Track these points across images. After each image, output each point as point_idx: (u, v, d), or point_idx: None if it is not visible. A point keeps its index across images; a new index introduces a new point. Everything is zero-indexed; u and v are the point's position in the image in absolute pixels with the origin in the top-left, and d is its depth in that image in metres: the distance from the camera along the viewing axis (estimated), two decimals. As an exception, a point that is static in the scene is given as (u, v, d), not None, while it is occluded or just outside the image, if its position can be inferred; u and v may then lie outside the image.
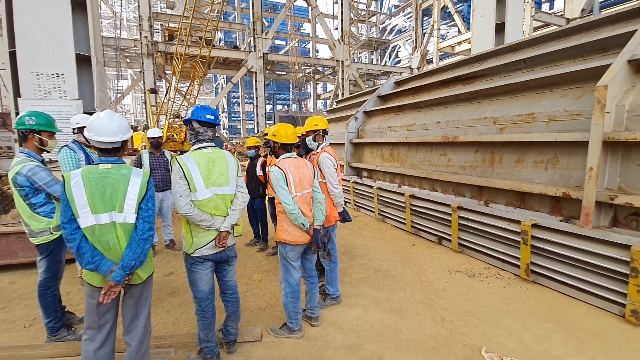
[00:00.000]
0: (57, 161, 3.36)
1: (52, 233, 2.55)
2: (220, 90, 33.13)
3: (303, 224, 2.61)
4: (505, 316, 2.97)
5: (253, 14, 18.99)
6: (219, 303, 2.54)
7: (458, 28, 21.60)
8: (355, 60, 29.46)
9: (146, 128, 14.90)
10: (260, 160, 4.83)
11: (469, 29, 19.36)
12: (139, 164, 4.43)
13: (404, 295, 3.44)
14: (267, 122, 24.12)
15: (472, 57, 5.60)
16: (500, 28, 9.76)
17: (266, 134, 4.70)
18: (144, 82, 16.14)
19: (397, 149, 6.08)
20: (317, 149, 3.32)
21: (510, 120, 3.96)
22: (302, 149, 3.56)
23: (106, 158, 1.89)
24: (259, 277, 3.93)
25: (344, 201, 3.27)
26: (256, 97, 19.93)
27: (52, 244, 2.57)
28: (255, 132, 20.43)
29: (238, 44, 25.15)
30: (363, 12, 30.02)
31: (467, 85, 5.18)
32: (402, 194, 5.41)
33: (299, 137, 3.05)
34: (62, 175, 1.86)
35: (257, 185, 4.74)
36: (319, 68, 26.18)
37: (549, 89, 3.75)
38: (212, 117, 2.30)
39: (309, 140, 3.30)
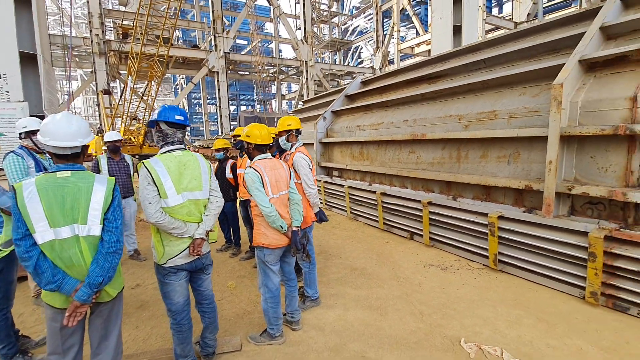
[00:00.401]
0: (1, 169, 3.02)
1: (0, 250, 2.27)
2: (180, 90, 31.87)
3: (281, 226, 2.54)
4: (479, 305, 3.09)
5: (213, 12, 18.44)
6: (194, 314, 2.41)
7: (416, 30, 22.41)
8: (319, 61, 29.60)
9: (100, 131, 13.94)
10: (230, 162, 4.67)
11: (426, 31, 20.15)
12: (96, 170, 4.10)
13: (382, 292, 3.47)
14: (232, 123, 23.55)
15: (435, 58, 5.80)
16: (457, 30, 10.23)
17: (236, 135, 4.56)
18: (96, 83, 15.09)
19: (366, 148, 6.15)
20: (290, 149, 3.26)
21: (474, 118, 4.14)
22: (275, 150, 3.49)
23: (64, 165, 1.70)
24: (233, 284, 3.80)
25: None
26: (219, 98, 19.38)
27: (2, 262, 2.29)
28: (219, 133, 19.86)
29: (198, 43, 24.30)
30: (325, 13, 30.23)
31: (431, 84, 5.35)
32: (374, 192, 5.49)
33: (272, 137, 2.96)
34: (12, 186, 1.65)
35: (227, 189, 4.57)
36: (283, 68, 26.00)
37: (508, 88, 3.96)
38: (182, 118, 2.16)
39: (282, 140, 3.23)
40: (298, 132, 3.23)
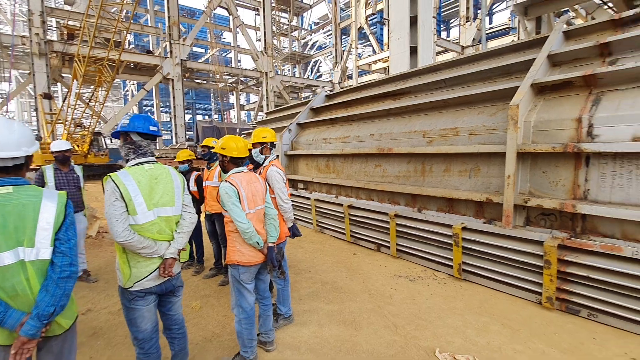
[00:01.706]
0: None
1: None
2: (131, 97, 30.09)
3: (258, 243, 2.44)
4: (448, 315, 3.19)
5: (169, 18, 17.79)
6: (162, 341, 2.20)
7: (373, 48, 23.42)
8: (279, 73, 29.71)
9: (38, 139, 12.62)
10: (194, 174, 4.44)
11: (382, 49, 21.14)
12: (40, 183, 3.67)
13: (355, 305, 3.46)
14: (187, 132, 22.62)
15: (397, 76, 6.07)
16: (413, 50, 10.84)
17: (205, 146, 4.36)
18: (34, 86, 13.73)
19: (333, 161, 6.21)
20: (263, 163, 3.18)
21: (438, 134, 4.36)
22: (246, 162, 3.38)
23: (4, 179, 1.47)
24: (198, 304, 3.56)
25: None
26: (174, 106, 18.57)
27: None
28: (174, 143, 18.93)
29: (152, 49, 23.25)
30: (285, 27, 30.55)
31: (395, 101, 5.58)
32: (341, 205, 5.53)
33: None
34: None
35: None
36: (242, 78, 25.66)
37: (468, 107, 4.24)
38: (156, 129, 2.01)
39: (255, 153, 3.14)
40: (272, 145, 3.17)
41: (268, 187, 2.93)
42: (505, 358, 2.54)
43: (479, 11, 21.52)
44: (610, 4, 15.80)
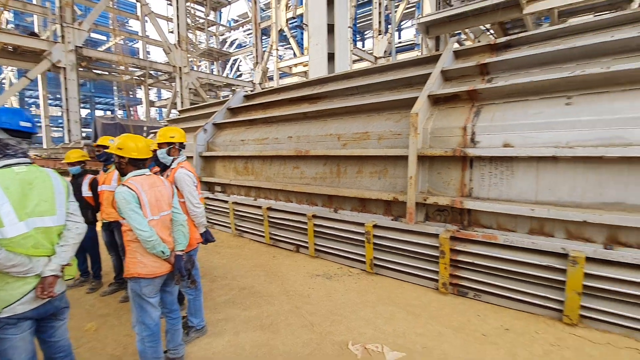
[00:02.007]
0: None
1: None
2: (9, 86, 25.09)
3: (163, 252, 2.25)
4: (361, 308, 3.39)
5: (59, -4, 15.32)
6: (41, 375, 1.87)
7: (293, 51, 23.73)
8: (195, 69, 28.04)
9: None
10: (89, 178, 3.90)
11: (303, 53, 21.56)
12: None
13: (273, 308, 3.44)
14: (84, 130, 19.76)
15: (315, 80, 6.25)
16: (331, 57, 11.29)
17: (101, 146, 3.84)
18: None
19: (251, 162, 6.08)
20: (171, 165, 2.95)
21: (351, 137, 4.61)
22: (151, 164, 3.10)
23: None
24: (93, 326, 3.14)
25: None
26: (66, 99, 16.04)
27: None
28: (67, 141, 16.33)
29: (37, 31, 19.77)
30: (201, 20, 28.93)
31: (312, 104, 5.73)
32: (260, 207, 5.45)
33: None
34: None
35: (84, 210, 3.76)
36: (152, 72, 23.50)
37: (377, 113, 4.58)
38: (29, 125, 1.70)
39: (161, 153, 2.89)
40: (182, 146, 2.96)
41: (176, 190, 2.73)
42: (408, 342, 2.80)
43: (389, 26, 23.50)
44: (492, 31, 18.70)
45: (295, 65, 22.41)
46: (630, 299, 2.63)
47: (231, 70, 34.33)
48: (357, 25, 31.61)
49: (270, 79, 25.51)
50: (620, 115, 2.79)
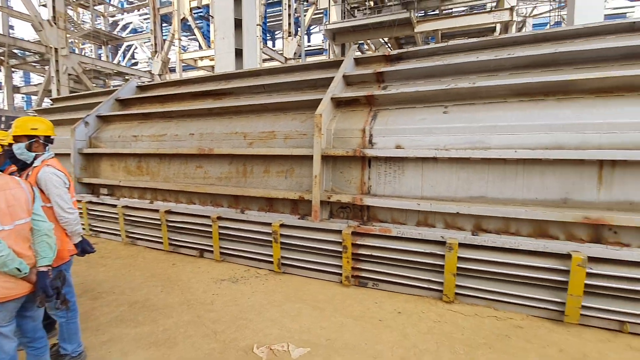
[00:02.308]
0: None
1: None
2: None
3: (19, 269, 1.84)
4: (267, 309, 3.34)
5: None
6: None
7: (199, 43, 22.28)
8: (77, 52, 24.08)
9: None
10: None
11: (209, 46, 20.42)
12: None
13: (170, 321, 3.14)
14: None
15: (220, 75, 5.95)
16: (239, 53, 10.93)
17: None
18: None
19: (146, 161, 5.47)
20: (33, 162, 2.43)
21: (257, 136, 4.52)
22: (5, 162, 2.52)
23: None
24: None
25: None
26: None
27: None
28: None
29: None
30: (85, -4, 24.88)
31: (217, 100, 5.44)
32: (157, 211, 4.93)
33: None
34: None
35: None
36: (16, 51, 19.29)
37: (283, 112, 4.60)
38: None
39: (18, 148, 2.36)
40: (48, 140, 2.46)
41: (40, 193, 2.26)
42: (313, 336, 2.87)
43: (299, 28, 23.95)
44: (389, 44, 20.60)
45: (201, 58, 21.07)
46: (490, 275, 3.18)
47: (124, 58, 30.49)
48: (267, 24, 31.43)
49: (173, 71, 23.47)
50: (482, 124, 3.35)
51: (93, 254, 2.81)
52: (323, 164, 3.89)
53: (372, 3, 17.49)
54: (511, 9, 13.98)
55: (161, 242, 4.98)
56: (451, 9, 20.16)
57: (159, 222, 4.91)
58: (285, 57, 20.13)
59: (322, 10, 22.66)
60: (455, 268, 3.22)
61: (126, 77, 24.10)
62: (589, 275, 2.81)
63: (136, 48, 31.36)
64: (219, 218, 4.45)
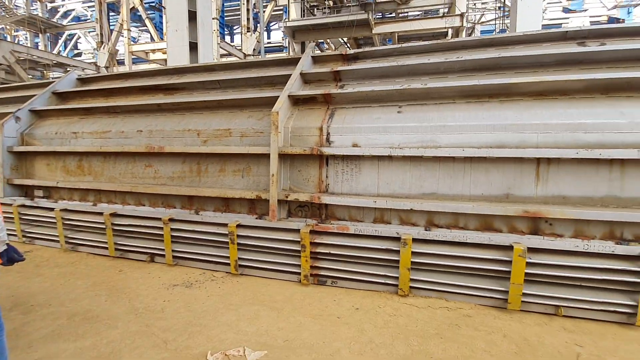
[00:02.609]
0: None
1: None
2: None
3: None
4: (223, 313, 3.22)
5: None
6: None
7: (151, 35, 21.06)
8: (9, 39, 21.72)
9: None
10: None
11: (162, 38, 19.36)
12: None
13: (115, 332, 2.92)
14: None
15: (171, 69, 5.65)
16: (194, 46, 10.47)
17: None
18: None
19: (88, 160, 5.05)
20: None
21: (212, 134, 4.35)
22: None
23: None
24: None
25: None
26: None
27: None
28: None
29: None
30: (17, -22, 22.49)
31: (168, 95, 5.15)
32: (101, 214, 4.57)
33: None
34: None
35: None
36: None
37: (240, 109, 4.46)
38: None
39: None
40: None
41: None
42: (270, 338, 2.81)
43: (259, 24, 23.51)
44: (348, 44, 20.88)
45: (153, 51, 19.93)
46: (442, 268, 3.33)
47: (65, 48, 28.02)
48: (225, 19, 30.55)
49: (121, 63, 21.97)
50: (433, 124, 3.49)
51: (27, 263, 2.53)
52: (280, 162, 3.83)
53: (331, 2, 17.63)
54: (461, 15, 14.79)
55: (106, 248, 4.62)
56: (407, 12, 20.89)
57: (104, 226, 4.55)
58: (244, 53, 19.67)
59: (282, 7, 22.44)
60: (409, 262, 3.33)
61: (68, 69, 22.15)
62: (529, 264, 3.04)
63: (79, 38, 28.94)
64: (171, 220, 4.22)
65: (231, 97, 4.47)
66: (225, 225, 4.01)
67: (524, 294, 3.08)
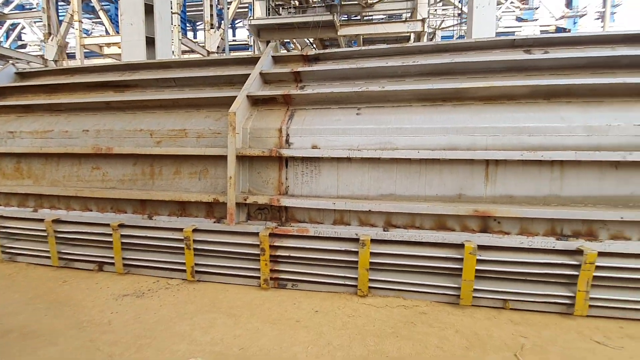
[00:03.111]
0: None
1: None
2: None
3: None
4: (177, 322, 3.08)
5: None
6: None
7: (105, 28, 19.85)
8: (-62, 26, 19.62)
9: None
10: None
11: (118, 32, 18.32)
12: None
13: (55, 350, 2.69)
14: None
15: (123, 65, 5.32)
16: (151, 42, 9.98)
17: None
18: None
19: (27, 162, 4.63)
20: None
21: (166, 134, 4.15)
22: None
23: None
24: None
25: None
26: None
27: None
28: None
29: None
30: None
31: (118, 93, 4.85)
32: (42, 220, 4.21)
33: None
34: None
35: None
36: None
37: (196, 109, 4.29)
38: None
39: None
40: None
41: None
42: (225, 347, 2.72)
43: (223, 21, 22.89)
44: (314, 45, 20.93)
45: (108, 45, 18.79)
46: (399, 267, 3.40)
47: (7, 38, 25.77)
48: (188, 14, 29.54)
49: (72, 57, 20.50)
50: (390, 126, 3.55)
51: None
52: (239, 164, 3.73)
53: (297, 2, 17.57)
54: (423, 20, 15.32)
55: (49, 257, 4.27)
56: (372, 16, 21.29)
57: (45, 234, 4.19)
58: (208, 51, 19.11)
59: (247, 4, 22.03)
60: (368, 263, 3.36)
61: (11, 62, 20.32)
62: (479, 261, 3.17)
63: (24, 28, 26.68)
64: (121, 226, 3.97)
65: (188, 96, 4.29)
66: (180, 230, 3.83)
67: (475, 290, 3.22)
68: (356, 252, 3.40)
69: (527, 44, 4.00)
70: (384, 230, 3.49)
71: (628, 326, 2.98)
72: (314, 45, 20.06)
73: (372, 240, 3.35)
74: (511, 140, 3.33)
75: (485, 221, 3.38)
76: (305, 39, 20.22)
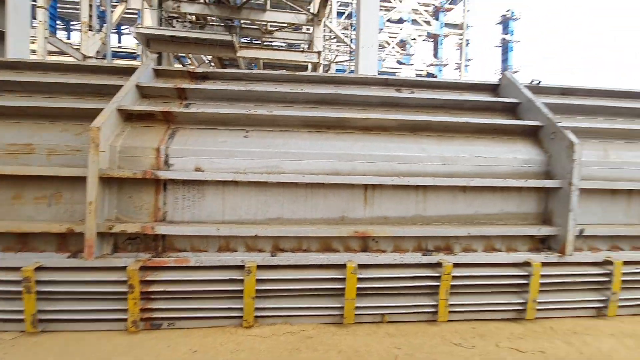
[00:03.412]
0: None
1: None
2: None
3: None
4: (-1, 394, 2.37)
5: None
6: None
7: None
8: None
9: None
10: None
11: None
12: None
13: None
14: None
15: (-55, 59, 4.16)
16: (1, 37, 8.16)
17: None
18: None
19: None
20: None
21: (4, 150, 3.33)
22: None
23: None
24: None
25: None
26: None
27: None
28: None
29: None
30: None
31: None
32: None
33: None
34: None
35: None
36: None
37: (50, 121, 3.59)
38: None
39: None
40: None
41: None
42: (69, 416, 2.19)
43: (105, 24, 20.37)
44: (212, 62, 20.34)
45: None
46: (287, 293, 3.34)
47: None
48: (60, 10, 25.59)
49: None
50: (278, 150, 3.58)
51: None
52: (103, 187, 3.21)
53: (194, 17, 16.93)
54: (319, 52, 16.44)
55: None
56: (272, 42, 21.90)
57: None
58: (84, 55, 16.72)
59: (135, 10, 20.25)
60: (254, 291, 3.22)
61: None
62: (359, 279, 3.36)
63: None
64: None
65: (39, 105, 3.56)
66: (17, 269, 3.05)
67: (357, 307, 3.38)
68: (242, 281, 3.23)
69: (398, 83, 4.61)
70: (272, 255, 3.41)
71: (479, 326, 3.52)
72: (212, 64, 19.51)
73: (259, 267, 3.24)
74: (384, 166, 3.71)
75: (365, 241, 3.63)
76: (203, 56, 19.51)
